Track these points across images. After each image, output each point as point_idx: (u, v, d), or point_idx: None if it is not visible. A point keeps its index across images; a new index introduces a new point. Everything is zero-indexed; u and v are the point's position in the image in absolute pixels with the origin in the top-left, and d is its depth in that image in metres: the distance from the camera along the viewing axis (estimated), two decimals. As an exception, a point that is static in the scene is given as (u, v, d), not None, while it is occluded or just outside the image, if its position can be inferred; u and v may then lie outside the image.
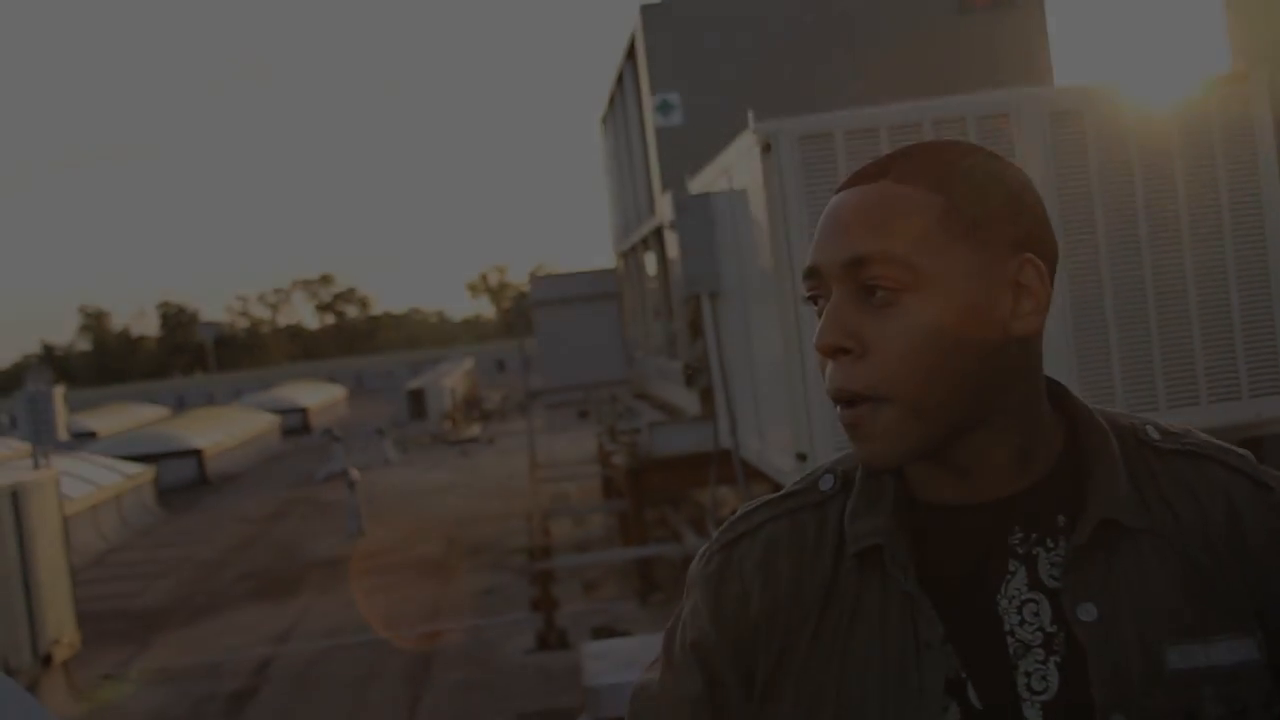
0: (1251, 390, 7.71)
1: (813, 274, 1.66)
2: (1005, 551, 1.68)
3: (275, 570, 18.58)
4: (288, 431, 46.39)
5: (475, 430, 39.54)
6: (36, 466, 11.31)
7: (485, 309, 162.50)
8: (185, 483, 31.71)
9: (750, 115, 7.91)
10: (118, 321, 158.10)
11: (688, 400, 13.21)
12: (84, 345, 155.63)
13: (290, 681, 12.00)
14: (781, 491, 1.86)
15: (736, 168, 8.64)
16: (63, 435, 15.16)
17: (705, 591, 1.83)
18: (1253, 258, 7.65)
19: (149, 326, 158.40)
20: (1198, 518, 1.70)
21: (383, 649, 12.79)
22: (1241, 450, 1.79)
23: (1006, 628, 1.66)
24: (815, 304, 1.68)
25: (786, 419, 7.81)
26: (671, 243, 11.18)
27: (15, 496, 10.71)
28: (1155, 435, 1.76)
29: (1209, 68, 8.37)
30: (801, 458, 7.58)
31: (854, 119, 7.61)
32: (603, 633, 11.59)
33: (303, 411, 50.97)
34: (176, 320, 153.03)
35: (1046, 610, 1.66)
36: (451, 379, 45.38)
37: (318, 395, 57.51)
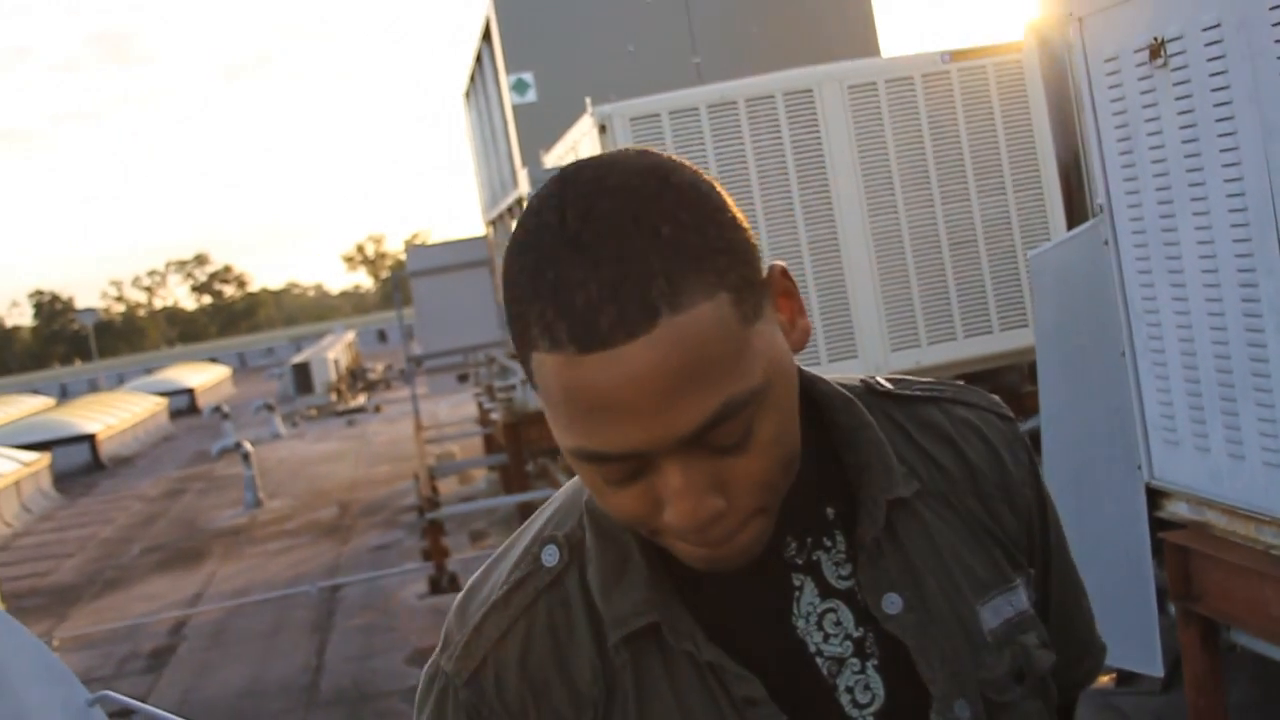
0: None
1: (623, 458, 1.33)
2: (786, 568, 1.52)
3: (179, 543, 19.36)
4: (175, 413, 46.53)
5: (361, 400, 40.16)
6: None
7: (363, 280, 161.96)
8: (80, 468, 32.22)
9: (588, 100, 8.93)
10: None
11: (557, 357, 14.21)
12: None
13: (205, 638, 12.92)
14: (505, 582, 1.56)
15: (581, 145, 9.63)
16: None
17: None
18: (1031, 205, 8.76)
19: (23, 317, 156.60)
20: (960, 464, 1.61)
21: (288, 604, 13.75)
22: (970, 386, 1.72)
23: (811, 649, 1.51)
24: (601, 467, 1.35)
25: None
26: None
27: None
28: (888, 385, 1.65)
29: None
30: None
31: (676, 100, 8.60)
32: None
33: (189, 392, 51.06)
34: (51, 309, 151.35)
35: (848, 615, 1.52)
36: (335, 351, 45.89)
37: (202, 376, 57.57)
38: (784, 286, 1.42)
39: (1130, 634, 5.46)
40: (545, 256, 1.28)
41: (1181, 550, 5.01)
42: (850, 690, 1.50)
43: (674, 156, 1.36)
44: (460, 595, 1.61)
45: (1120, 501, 5.54)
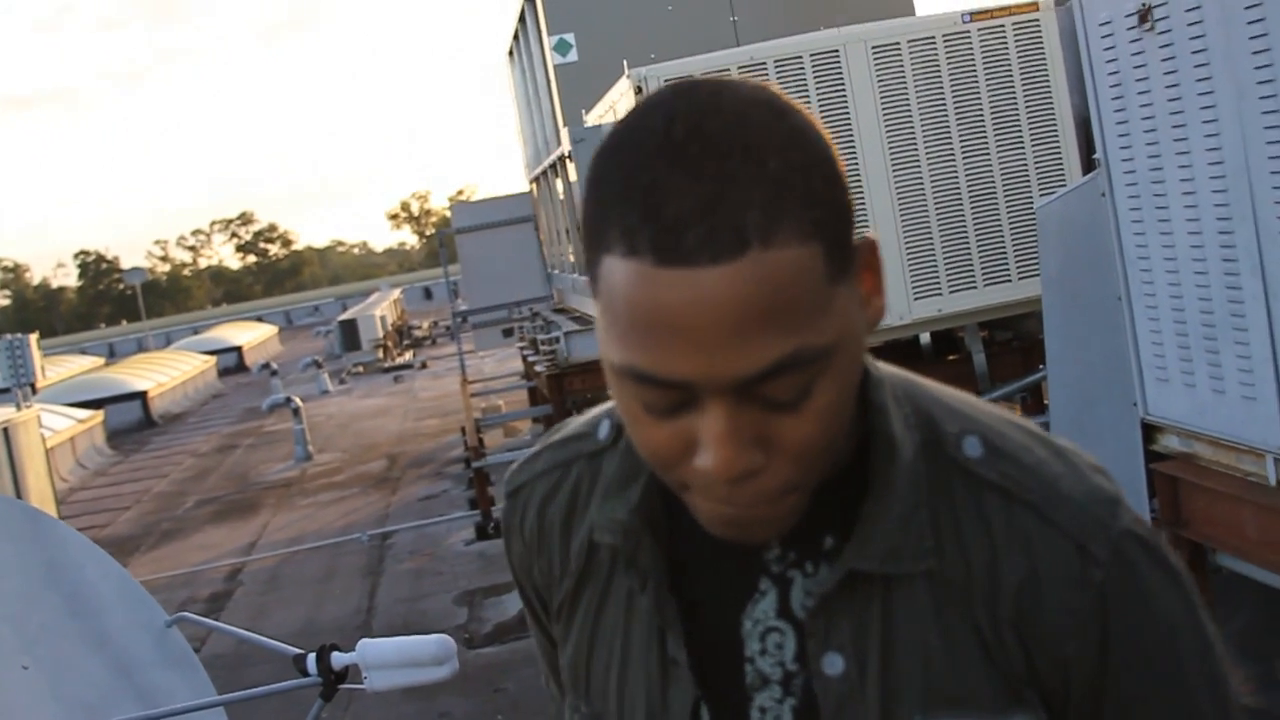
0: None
1: (673, 386, 1.24)
2: (759, 568, 1.45)
3: (232, 495, 19.88)
4: (224, 371, 47.15)
5: (407, 357, 40.56)
6: (18, 408, 12.64)
7: (408, 238, 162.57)
8: (132, 425, 32.81)
9: (625, 63, 9.31)
10: (36, 274, 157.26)
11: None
12: (2, 300, 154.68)
13: (261, 583, 13.41)
14: (564, 432, 1.65)
15: (619, 105, 10.00)
16: (41, 378, 16.64)
17: (507, 542, 1.69)
18: (1049, 159, 9.10)
19: (69, 278, 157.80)
20: (988, 572, 1.39)
21: (340, 551, 14.25)
22: (1097, 490, 1.41)
23: (747, 654, 1.45)
24: (645, 391, 1.26)
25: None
26: (572, 170, 12.62)
27: (5, 432, 12.08)
28: (975, 454, 1.43)
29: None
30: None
31: (708, 62, 8.91)
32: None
33: (237, 350, 51.70)
34: (97, 269, 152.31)
35: (791, 645, 1.44)
36: (381, 308, 46.27)
37: (250, 334, 58.17)
38: (869, 260, 1.34)
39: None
40: (643, 160, 1.22)
41: (1170, 480, 5.39)
42: (763, 711, 1.44)
43: (793, 100, 1.30)
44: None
45: (1119, 437, 5.91)
